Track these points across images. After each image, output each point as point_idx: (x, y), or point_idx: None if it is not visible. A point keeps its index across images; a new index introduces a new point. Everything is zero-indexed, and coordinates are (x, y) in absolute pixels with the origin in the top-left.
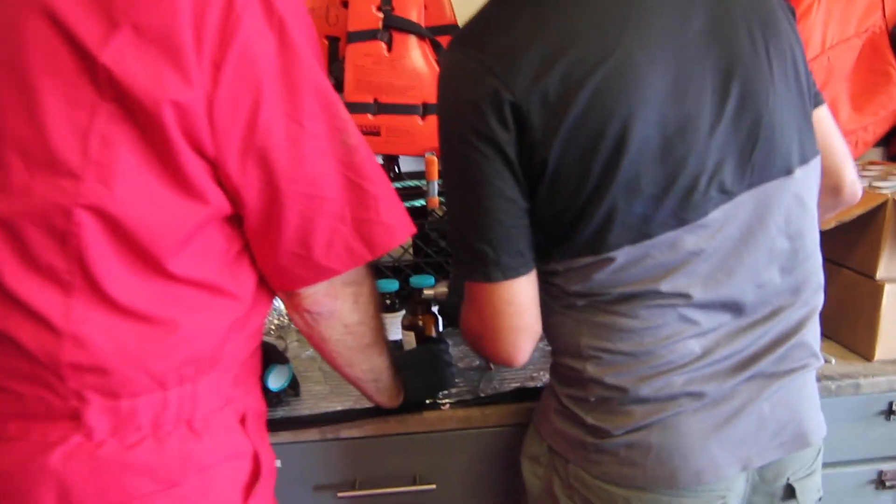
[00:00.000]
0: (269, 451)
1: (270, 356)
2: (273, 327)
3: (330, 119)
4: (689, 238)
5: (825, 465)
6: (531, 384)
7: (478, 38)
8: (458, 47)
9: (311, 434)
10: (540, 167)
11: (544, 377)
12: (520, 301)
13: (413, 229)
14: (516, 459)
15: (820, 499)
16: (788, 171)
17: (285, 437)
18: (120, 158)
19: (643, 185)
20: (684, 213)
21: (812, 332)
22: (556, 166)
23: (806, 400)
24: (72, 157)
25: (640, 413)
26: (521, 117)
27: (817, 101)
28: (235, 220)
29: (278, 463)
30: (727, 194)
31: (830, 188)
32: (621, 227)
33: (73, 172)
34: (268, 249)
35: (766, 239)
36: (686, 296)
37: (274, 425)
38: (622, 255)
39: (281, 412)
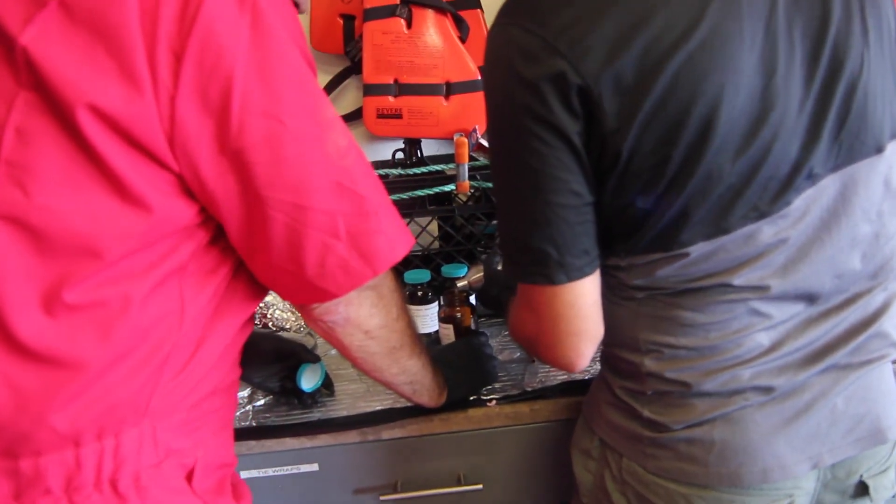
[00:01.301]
0: None
1: (300, 356)
2: (303, 324)
3: (314, 117)
4: (767, 229)
5: None
6: (579, 376)
7: (536, 7)
8: (511, 19)
9: (351, 436)
10: (611, 159)
11: (593, 368)
12: (583, 304)
13: (412, 241)
14: (567, 455)
15: (895, 495)
16: (879, 149)
17: (324, 440)
18: (41, 159)
19: (724, 176)
20: (766, 204)
21: (891, 320)
22: (629, 158)
23: (884, 393)
24: None
25: (702, 407)
26: (591, 104)
27: None
28: (205, 232)
29: (315, 466)
30: (812, 179)
31: None
32: (696, 223)
33: None
34: (260, 266)
35: (849, 225)
36: (759, 289)
37: (311, 428)
38: (694, 251)
39: (318, 414)
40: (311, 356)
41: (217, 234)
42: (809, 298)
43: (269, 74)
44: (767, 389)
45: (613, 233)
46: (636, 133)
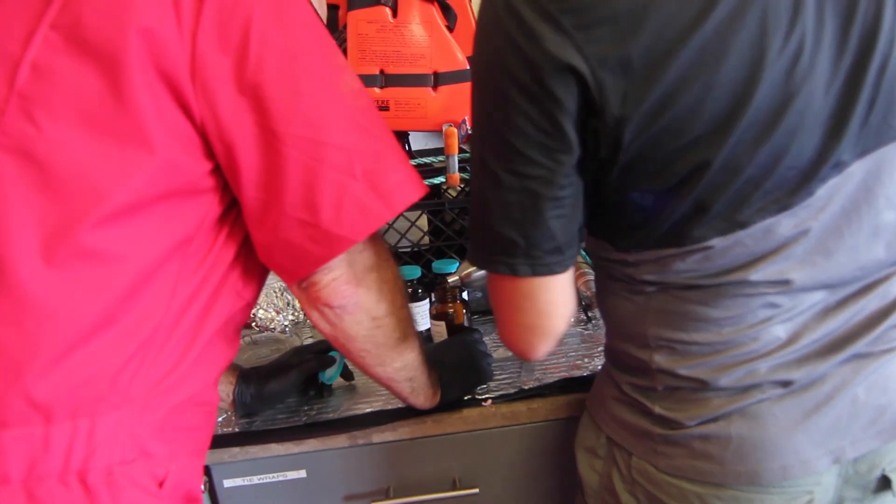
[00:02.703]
0: None
1: (318, 362)
2: (288, 324)
3: (327, 59)
4: (788, 222)
5: None
6: (577, 373)
7: None
8: None
9: (340, 440)
10: (612, 149)
11: (590, 364)
12: (545, 301)
13: (426, 188)
14: (567, 455)
15: None
16: None
17: (311, 444)
18: (55, 93)
19: (743, 168)
20: (788, 196)
21: None
22: (633, 149)
23: None
24: None
25: (717, 402)
26: (592, 88)
27: None
28: (213, 204)
29: (303, 473)
30: (839, 167)
31: None
32: (712, 218)
33: None
34: (270, 224)
35: (871, 214)
36: (777, 283)
37: (298, 432)
38: (709, 246)
39: (305, 418)
40: (326, 358)
41: (226, 211)
42: (828, 288)
43: (284, 17)
44: (786, 383)
45: (620, 227)
46: (642, 122)
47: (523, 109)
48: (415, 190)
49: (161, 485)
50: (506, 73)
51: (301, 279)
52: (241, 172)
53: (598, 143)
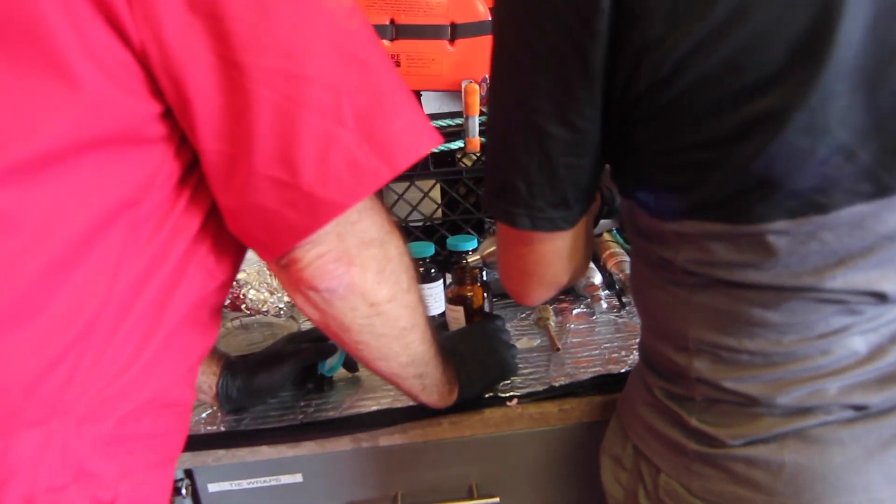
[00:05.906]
0: None
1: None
2: (283, 306)
3: None
4: (887, 216)
5: None
6: (614, 368)
7: None
8: None
9: (341, 443)
10: (649, 80)
11: (629, 358)
12: (547, 251)
13: (440, 137)
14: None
15: None
16: None
17: (308, 447)
18: None
19: (830, 130)
20: (890, 175)
21: None
22: (678, 82)
23: None
24: None
25: (769, 421)
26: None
27: None
28: (166, 159)
29: (299, 477)
30: None
31: None
32: (780, 193)
33: None
34: (238, 185)
35: None
36: (860, 293)
37: (293, 433)
38: (773, 232)
39: (301, 416)
40: (326, 346)
41: (189, 168)
42: None
43: None
44: (860, 407)
45: (658, 186)
46: (692, 47)
47: (538, 22)
48: (424, 140)
49: None
50: None
51: (279, 256)
52: (196, 117)
53: (634, 73)
